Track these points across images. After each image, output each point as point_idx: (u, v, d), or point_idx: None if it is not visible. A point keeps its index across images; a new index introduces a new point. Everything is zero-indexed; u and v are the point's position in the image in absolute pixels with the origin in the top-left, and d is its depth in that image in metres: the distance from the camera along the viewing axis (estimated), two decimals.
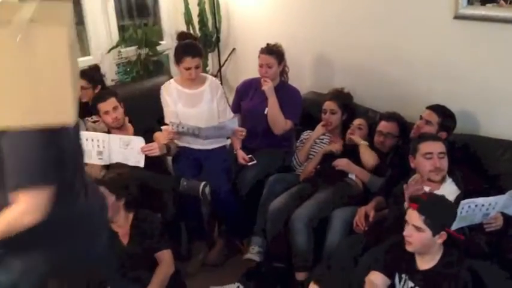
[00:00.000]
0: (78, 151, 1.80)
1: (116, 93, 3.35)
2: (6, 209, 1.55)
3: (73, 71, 1.48)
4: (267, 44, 3.55)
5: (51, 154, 1.55)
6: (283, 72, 3.64)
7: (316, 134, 3.51)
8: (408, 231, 2.13)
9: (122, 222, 2.75)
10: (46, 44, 1.42)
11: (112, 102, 3.24)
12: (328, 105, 3.47)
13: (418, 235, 2.10)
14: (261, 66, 3.51)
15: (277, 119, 3.49)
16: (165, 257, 2.72)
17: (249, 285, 2.99)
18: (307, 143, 3.52)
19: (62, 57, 1.44)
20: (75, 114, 1.52)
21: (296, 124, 3.65)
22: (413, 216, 2.12)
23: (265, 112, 3.52)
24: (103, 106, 3.24)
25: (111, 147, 3.11)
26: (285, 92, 3.57)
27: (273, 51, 3.50)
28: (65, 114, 1.49)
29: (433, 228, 2.08)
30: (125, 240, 2.73)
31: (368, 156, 3.13)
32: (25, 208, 1.52)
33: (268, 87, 3.47)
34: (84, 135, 2.96)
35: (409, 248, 2.15)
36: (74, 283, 1.68)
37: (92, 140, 2.95)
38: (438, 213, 2.12)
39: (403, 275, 2.22)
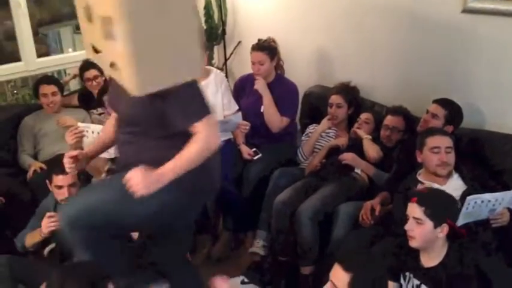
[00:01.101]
0: None
1: None
2: (190, 143, 1.96)
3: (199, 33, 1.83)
4: (258, 40, 3.52)
5: (202, 95, 2.04)
6: (278, 66, 3.61)
7: (321, 128, 3.49)
8: (409, 225, 2.12)
9: None
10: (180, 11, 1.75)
11: None
12: (334, 99, 3.45)
13: (419, 228, 2.09)
14: (253, 63, 3.49)
15: (272, 118, 3.47)
16: None
17: (253, 279, 2.99)
18: (312, 137, 3.51)
19: (191, 21, 1.79)
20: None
21: (293, 120, 3.63)
22: (413, 209, 2.12)
23: (262, 110, 3.51)
24: None
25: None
26: (281, 87, 3.55)
27: (264, 47, 3.47)
28: (197, 71, 1.92)
29: (433, 219, 2.07)
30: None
31: (371, 150, 3.12)
32: (207, 133, 1.96)
33: (259, 86, 3.45)
34: (91, 127, 2.97)
35: (412, 244, 2.14)
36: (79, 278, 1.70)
37: (98, 133, 2.97)
38: (437, 204, 2.12)
39: (408, 273, 2.20)
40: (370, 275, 1.89)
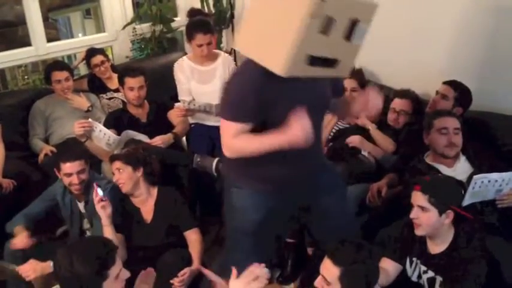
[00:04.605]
0: None
1: (145, 72, 3.38)
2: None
3: (307, 39, 1.76)
4: None
5: None
6: None
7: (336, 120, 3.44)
8: (414, 213, 2.10)
9: (144, 197, 2.73)
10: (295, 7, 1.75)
11: (140, 80, 3.30)
12: (349, 83, 3.42)
13: (425, 216, 2.08)
14: None
15: None
16: (197, 235, 2.71)
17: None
18: (327, 129, 3.43)
19: (299, 21, 1.73)
20: (290, 70, 1.78)
21: None
22: (417, 197, 2.10)
23: None
24: (131, 81, 3.28)
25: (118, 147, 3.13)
26: None
27: None
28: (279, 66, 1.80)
29: (438, 207, 2.05)
30: (147, 217, 2.73)
31: (385, 142, 3.10)
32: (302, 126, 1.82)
33: None
34: (98, 127, 3.00)
35: (418, 232, 2.12)
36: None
37: (105, 134, 3.00)
38: (441, 190, 2.10)
39: (414, 259, 2.21)
40: (361, 269, 1.86)
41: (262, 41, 1.87)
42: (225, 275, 2.16)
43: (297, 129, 1.81)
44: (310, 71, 1.89)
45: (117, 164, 2.68)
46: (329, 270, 1.87)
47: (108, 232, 2.50)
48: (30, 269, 2.47)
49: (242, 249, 2.26)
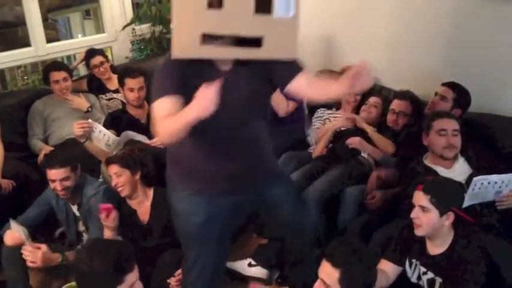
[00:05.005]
0: None
1: (146, 73, 3.37)
2: None
3: (182, 15, 1.71)
4: None
5: None
6: None
7: (339, 125, 3.39)
8: (415, 213, 2.10)
9: (141, 199, 2.73)
10: None
11: (140, 81, 3.30)
12: None
13: (425, 216, 2.07)
14: None
15: (278, 102, 3.46)
16: None
17: (260, 261, 3.01)
18: (327, 133, 3.39)
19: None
20: (179, 50, 1.78)
21: (301, 104, 3.62)
22: (418, 197, 2.10)
23: None
24: (131, 82, 3.28)
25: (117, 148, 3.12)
26: None
27: None
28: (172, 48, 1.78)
29: (439, 208, 2.05)
30: (144, 218, 2.74)
31: (385, 144, 3.10)
32: None
33: None
34: (98, 127, 2.99)
35: (418, 232, 2.12)
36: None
37: (104, 135, 3.00)
38: (443, 192, 2.10)
39: (414, 260, 2.20)
40: (360, 270, 1.85)
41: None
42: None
43: (198, 98, 1.76)
44: (218, 52, 1.81)
45: (114, 168, 2.66)
46: (328, 273, 1.86)
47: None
48: (39, 256, 2.46)
49: (191, 253, 2.24)
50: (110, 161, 2.70)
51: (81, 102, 3.68)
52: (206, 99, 1.73)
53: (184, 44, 1.76)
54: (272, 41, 1.80)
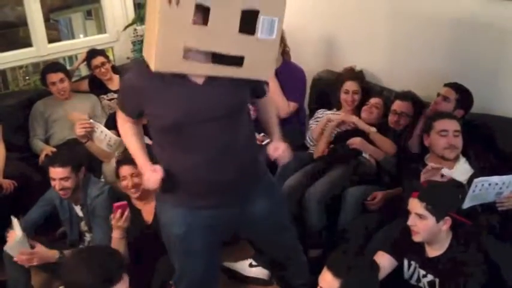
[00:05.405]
0: None
1: None
2: None
3: (166, 29, 1.70)
4: None
5: None
6: (284, 53, 3.60)
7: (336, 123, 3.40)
8: (412, 221, 2.10)
9: (149, 199, 2.71)
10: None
11: None
12: (351, 85, 3.40)
13: (422, 223, 2.07)
14: None
15: (279, 104, 3.45)
16: None
17: (261, 262, 3.01)
18: (328, 130, 3.38)
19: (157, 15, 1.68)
20: (160, 64, 1.78)
21: (301, 105, 3.62)
22: (414, 205, 2.10)
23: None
24: None
25: (119, 148, 3.12)
26: (287, 72, 3.52)
27: None
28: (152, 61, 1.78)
29: (435, 214, 2.05)
30: (148, 218, 2.73)
31: (387, 145, 3.10)
32: None
33: None
34: (99, 127, 2.99)
35: (416, 239, 2.12)
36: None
37: (106, 135, 3.00)
38: (438, 198, 2.09)
39: (413, 262, 2.21)
40: (361, 281, 1.84)
41: (148, 42, 1.88)
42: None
43: (145, 176, 2.00)
44: (199, 68, 1.81)
45: (129, 169, 2.64)
46: (328, 282, 1.86)
47: (121, 245, 2.50)
48: (35, 255, 2.47)
49: (177, 265, 2.22)
50: (122, 162, 2.69)
51: (78, 116, 3.57)
52: (147, 181, 1.99)
53: (167, 58, 1.75)
54: (252, 61, 1.82)
